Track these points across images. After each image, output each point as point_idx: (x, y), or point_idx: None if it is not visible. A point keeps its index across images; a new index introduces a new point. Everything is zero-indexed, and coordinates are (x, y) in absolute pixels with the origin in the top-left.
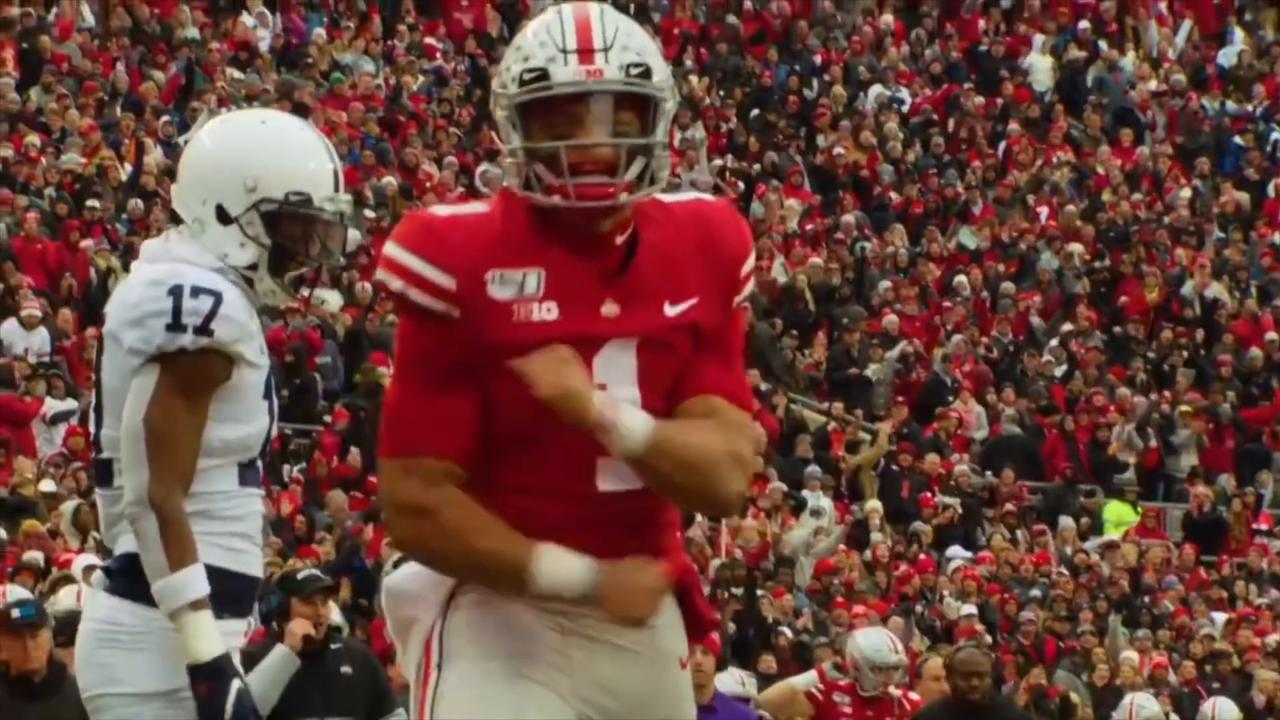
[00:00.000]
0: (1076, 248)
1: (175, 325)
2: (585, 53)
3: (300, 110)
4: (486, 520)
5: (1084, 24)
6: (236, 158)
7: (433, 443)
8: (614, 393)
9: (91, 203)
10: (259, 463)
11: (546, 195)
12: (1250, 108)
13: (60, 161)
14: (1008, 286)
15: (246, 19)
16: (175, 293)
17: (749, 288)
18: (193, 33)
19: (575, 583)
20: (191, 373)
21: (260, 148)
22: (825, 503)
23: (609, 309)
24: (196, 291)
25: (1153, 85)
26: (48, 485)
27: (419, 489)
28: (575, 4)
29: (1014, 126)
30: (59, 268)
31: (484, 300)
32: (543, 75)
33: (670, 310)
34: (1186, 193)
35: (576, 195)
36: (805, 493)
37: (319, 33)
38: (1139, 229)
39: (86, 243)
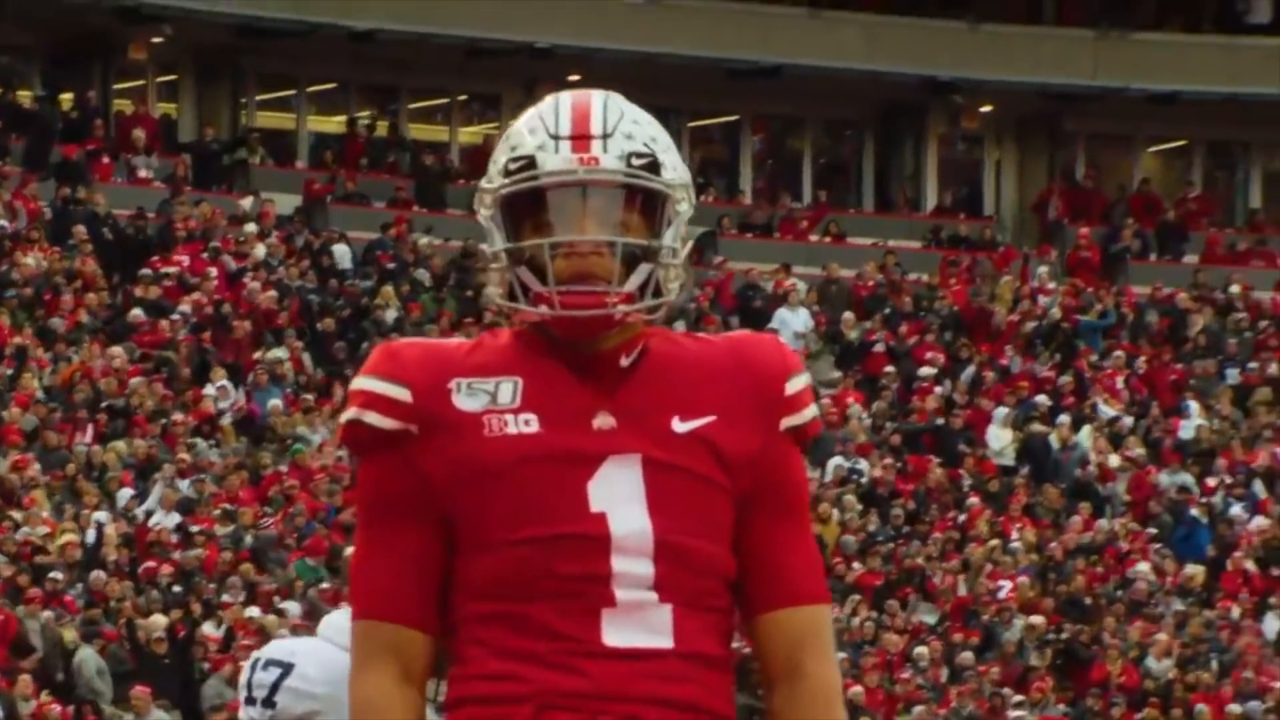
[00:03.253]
0: (1038, 619)
1: (247, 699)
2: (580, 139)
3: (260, 481)
4: None
5: (1042, 398)
6: None
7: (395, 605)
8: (620, 518)
9: (53, 574)
10: None
11: (533, 306)
12: (1209, 481)
13: (17, 535)
14: (967, 657)
15: (209, 390)
16: (251, 666)
17: (805, 413)
18: (154, 404)
19: None
20: None
21: None
22: None
23: (603, 421)
24: (268, 664)
25: (1112, 459)
26: None
27: (380, 676)
28: (575, 91)
29: (974, 499)
30: (19, 638)
31: (448, 412)
32: (530, 164)
33: (679, 426)
34: (1145, 566)
35: (563, 304)
36: None
37: (277, 404)
38: (1099, 602)
39: (46, 614)
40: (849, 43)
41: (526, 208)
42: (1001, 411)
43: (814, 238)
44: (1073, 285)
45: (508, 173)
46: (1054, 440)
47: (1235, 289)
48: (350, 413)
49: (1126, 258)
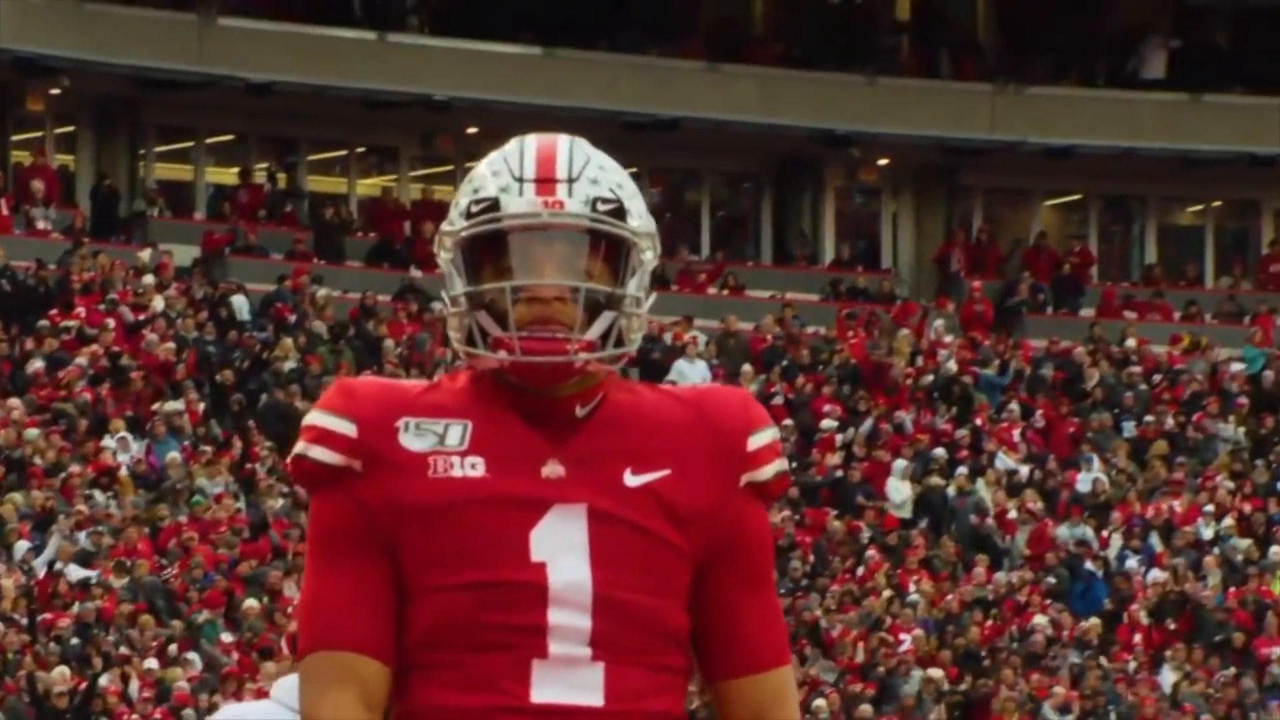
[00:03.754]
0: (936, 672)
1: None
2: (545, 182)
3: (159, 533)
4: None
5: (940, 451)
6: None
7: (349, 632)
8: (560, 569)
9: None
10: None
11: (492, 351)
12: (1105, 534)
13: None
14: (865, 710)
15: (108, 442)
16: None
17: (769, 469)
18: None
19: None
20: None
21: None
22: None
23: (551, 469)
24: None
25: (1010, 512)
26: None
27: (343, 699)
28: (541, 135)
29: (872, 552)
30: None
31: (393, 450)
32: (492, 206)
33: (631, 480)
34: (1043, 619)
35: (523, 349)
36: None
37: (176, 456)
38: (996, 654)
39: None
40: (746, 96)
41: (487, 251)
42: (900, 464)
43: (712, 290)
44: (969, 339)
45: (469, 215)
46: (952, 493)
47: (1131, 342)
48: (298, 447)
49: (1023, 311)
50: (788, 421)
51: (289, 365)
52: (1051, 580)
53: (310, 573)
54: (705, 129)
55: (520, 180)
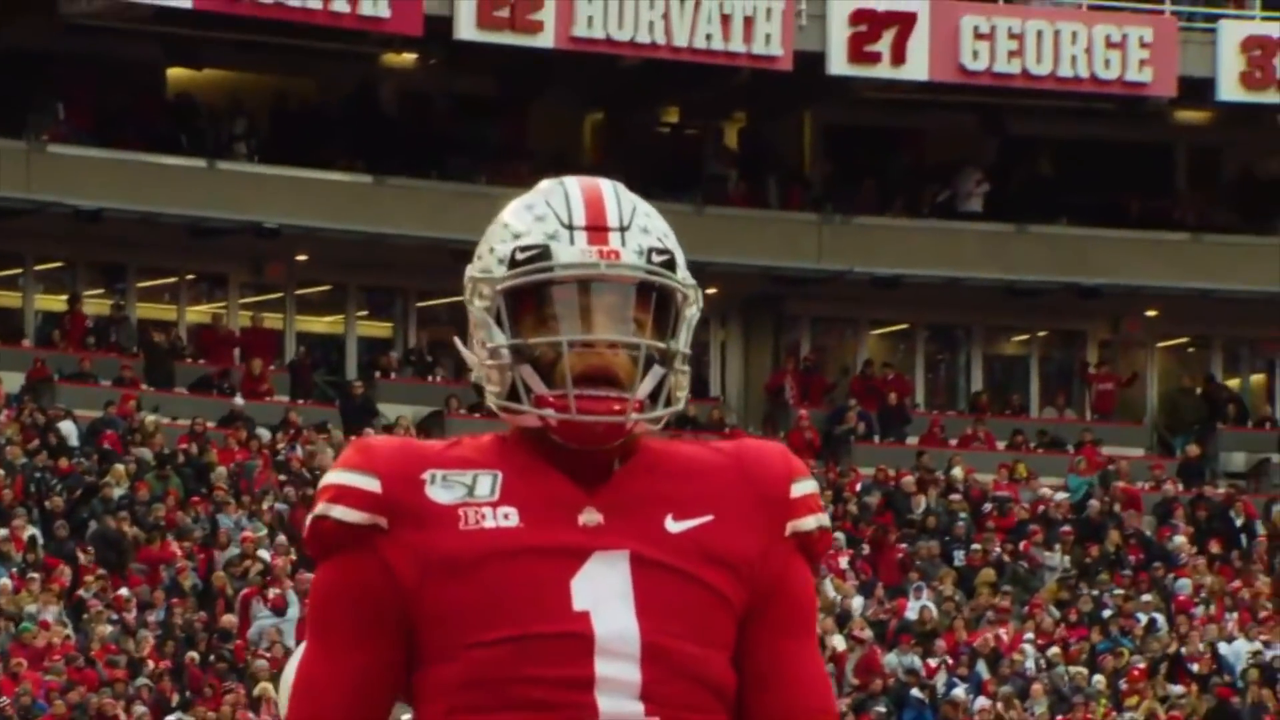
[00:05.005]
0: None
1: None
2: (597, 230)
3: None
4: None
5: None
6: None
7: (336, 712)
8: (605, 618)
9: None
10: None
11: (537, 408)
12: (931, 663)
13: None
14: None
15: None
16: None
17: (812, 520)
18: None
19: None
20: None
21: None
22: None
23: (589, 517)
24: None
25: (838, 641)
26: None
27: None
28: (578, 178)
29: None
30: None
31: (421, 503)
32: (542, 254)
33: (673, 526)
34: None
35: (579, 409)
36: None
37: (5, 583)
38: None
39: None
40: None
41: (529, 301)
42: None
43: None
44: None
45: (514, 263)
46: None
47: (958, 471)
48: (318, 508)
49: (850, 439)
50: None
51: (118, 492)
52: (880, 709)
53: (311, 649)
54: None
55: (570, 228)
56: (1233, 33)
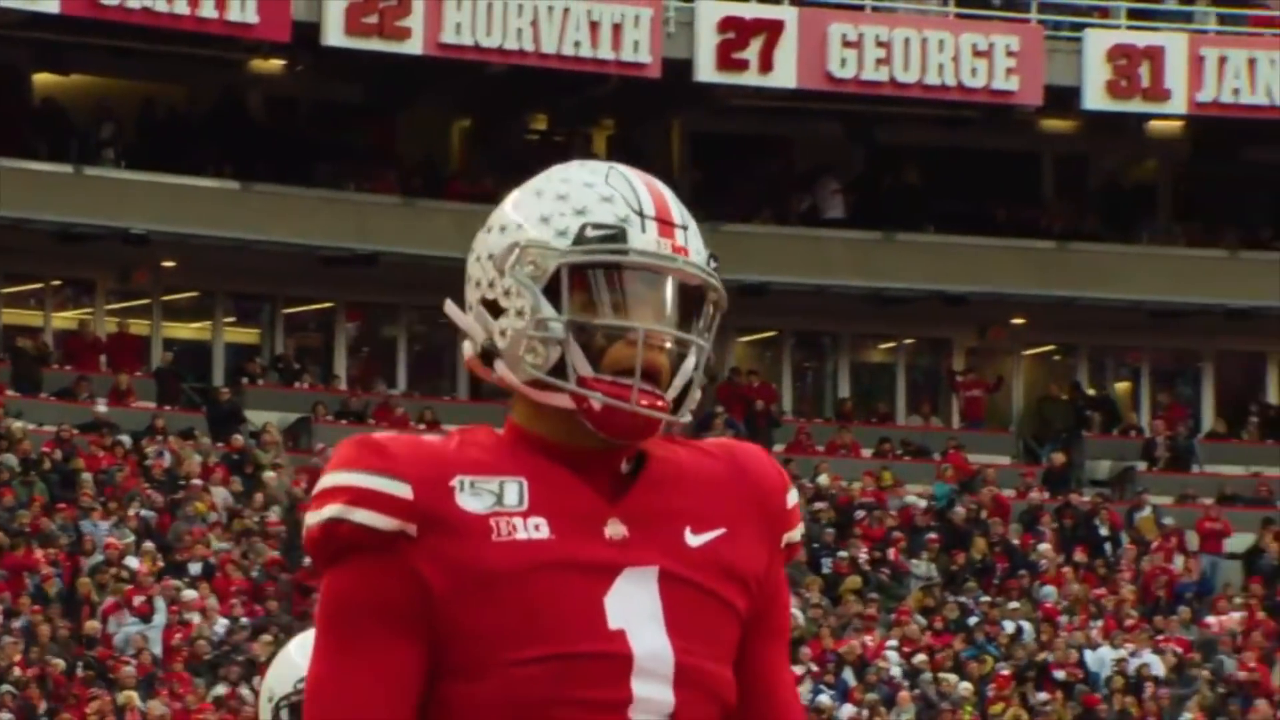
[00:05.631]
0: None
1: None
2: (666, 224)
3: None
4: None
5: None
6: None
7: (362, 717)
8: (640, 637)
9: None
10: None
11: (585, 390)
12: (798, 669)
13: None
14: None
15: None
16: None
17: (799, 530)
18: None
19: None
20: None
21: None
22: None
23: (614, 530)
24: None
25: None
26: None
27: None
28: (623, 166)
29: None
30: None
31: (452, 512)
32: (618, 235)
33: (693, 540)
34: None
35: (641, 402)
36: None
37: None
38: None
39: None
40: (443, 231)
41: (580, 280)
42: None
43: (410, 425)
44: None
45: (581, 238)
46: None
47: (824, 478)
48: (332, 510)
49: None
50: None
51: None
52: None
53: (328, 658)
54: (403, 263)
55: (642, 215)
56: (1098, 42)
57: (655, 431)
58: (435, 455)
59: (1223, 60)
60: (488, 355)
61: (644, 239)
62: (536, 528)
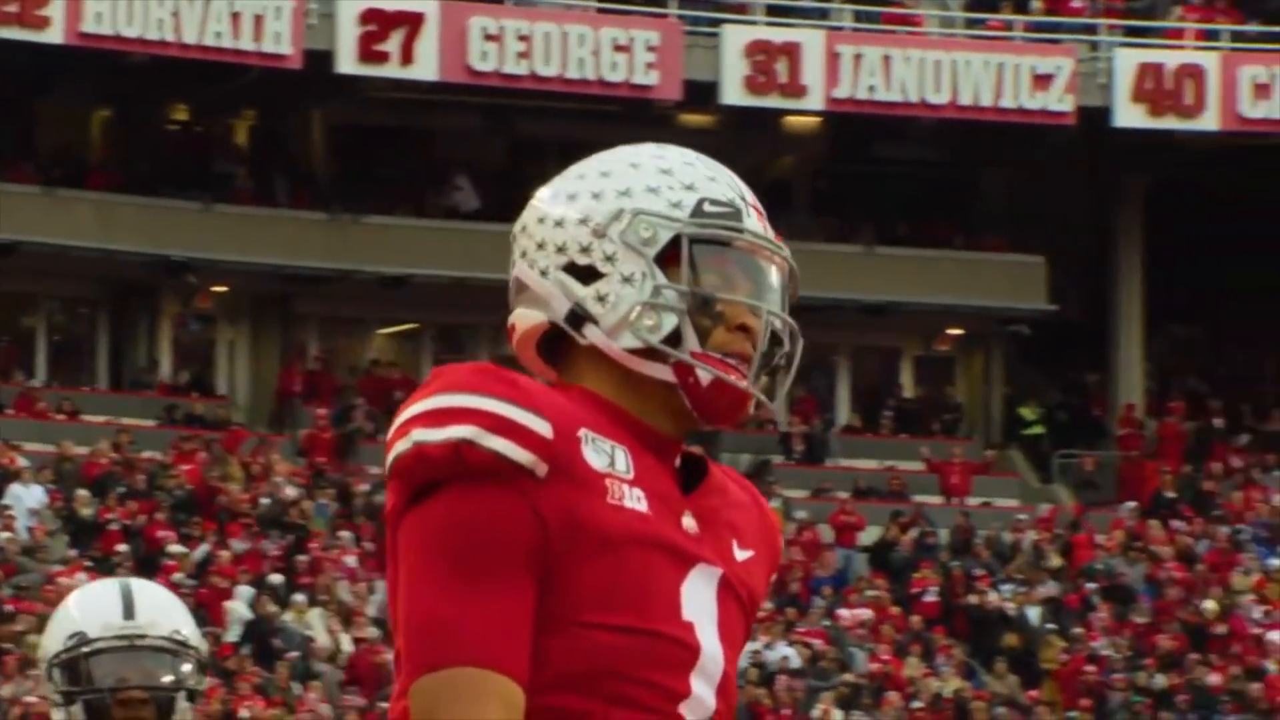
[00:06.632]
0: None
1: None
2: (759, 212)
3: None
4: None
5: (278, 577)
6: None
7: (503, 654)
8: (704, 636)
9: None
10: None
11: (700, 365)
12: None
13: None
14: None
15: None
16: None
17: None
18: None
19: None
20: None
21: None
22: None
23: (689, 523)
24: None
25: (344, 640)
26: None
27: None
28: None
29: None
30: None
31: (578, 463)
32: (735, 214)
33: (739, 554)
34: None
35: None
36: None
37: None
38: None
39: None
40: (83, 221)
41: (674, 255)
42: (241, 590)
43: (49, 415)
44: (310, 464)
45: (699, 212)
46: (289, 619)
47: None
48: (466, 431)
49: (357, 439)
50: (123, 547)
51: None
52: None
53: (446, 592)
54: (42, 253)
55: (744, 199)
56: (736, 38)
57: (741, 416)
58: (561, 403)
59: (858, 58)
60: (576, 320)
61: (752, 222)
62: (639, 500)
